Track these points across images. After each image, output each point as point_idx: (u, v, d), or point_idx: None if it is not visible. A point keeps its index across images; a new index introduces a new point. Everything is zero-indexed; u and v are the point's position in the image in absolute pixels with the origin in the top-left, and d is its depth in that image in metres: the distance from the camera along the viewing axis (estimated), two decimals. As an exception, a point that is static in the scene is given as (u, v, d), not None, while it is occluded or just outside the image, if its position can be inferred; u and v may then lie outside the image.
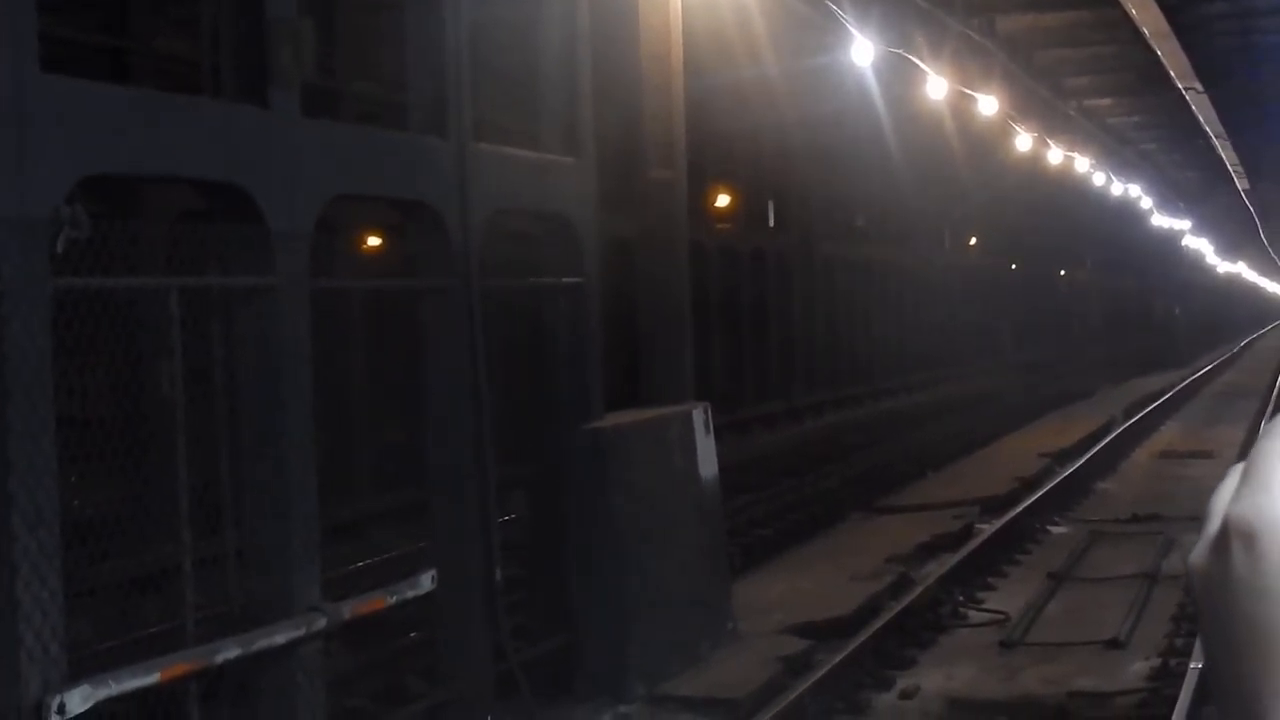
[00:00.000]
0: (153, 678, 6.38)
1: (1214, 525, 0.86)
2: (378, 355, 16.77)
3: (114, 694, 6.12)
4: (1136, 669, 10.62)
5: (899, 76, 22.11)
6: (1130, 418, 28.25)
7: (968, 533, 15.91)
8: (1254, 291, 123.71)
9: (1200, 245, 75.14)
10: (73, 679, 6.05)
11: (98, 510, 8.14)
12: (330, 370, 11.97)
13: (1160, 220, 57.08)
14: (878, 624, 11.52)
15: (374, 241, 18.07)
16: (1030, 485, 19.30)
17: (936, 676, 10.77)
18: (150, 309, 8.01)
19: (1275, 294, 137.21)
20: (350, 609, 7.73)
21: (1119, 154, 44.84)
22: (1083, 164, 38.00)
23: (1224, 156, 46.17)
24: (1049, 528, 16.72)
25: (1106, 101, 38.40)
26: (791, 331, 30.97)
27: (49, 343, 6.10)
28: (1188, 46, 27.82)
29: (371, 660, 10.83)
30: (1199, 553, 0.87)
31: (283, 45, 7.43)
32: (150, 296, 7.44)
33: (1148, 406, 30.63)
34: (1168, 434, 27.43)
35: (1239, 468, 0.88)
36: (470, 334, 9.10)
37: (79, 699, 5.89)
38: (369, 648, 10.91)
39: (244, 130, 7.34)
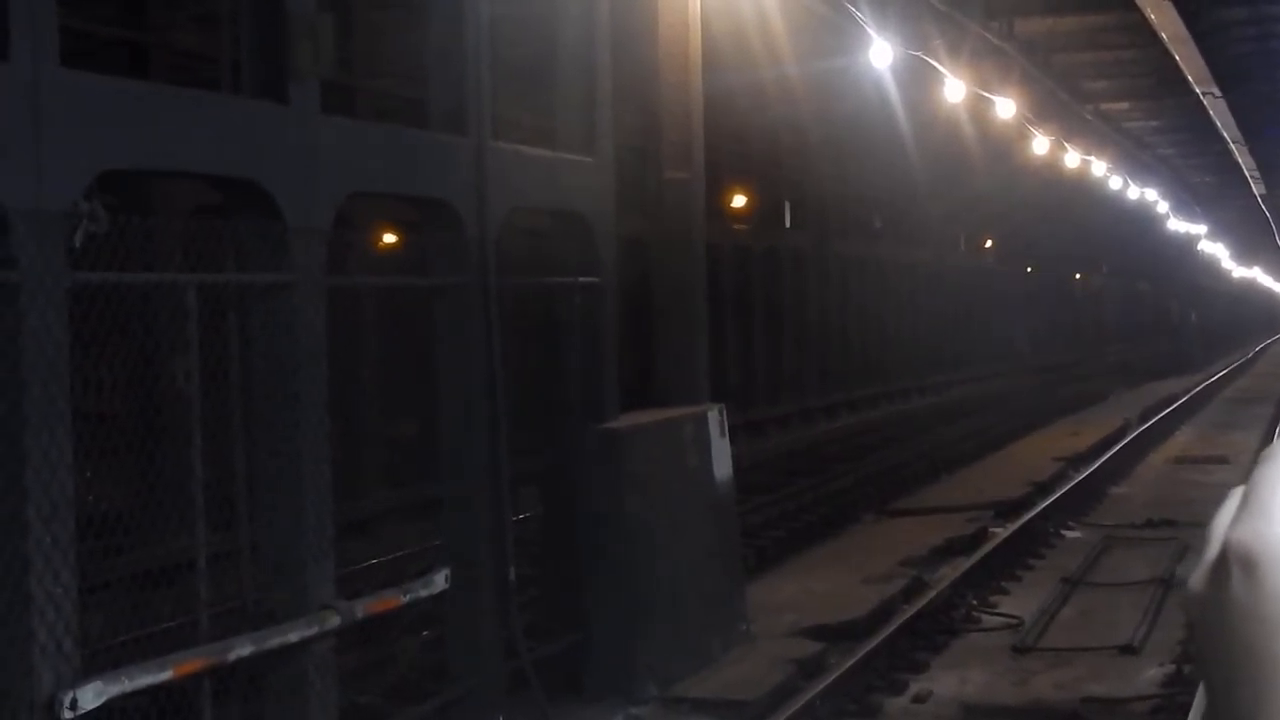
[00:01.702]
0: (165, 674, 6.38)
1: (1213, 550, 0.86)
2: (390, 350, 16.77)
3: (126, 690, 6.11)
4: (1150, 675, 10.59)
5: (917, 78, 22.07)
6: (1145, 422, 28.20)
7: (981, 536, 15.88)
8: (1269, 296, 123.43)
9: (1216, 250, 75.05)
10: (85, 674, 6.05)
11: (112, 504, 8.14)
12: (342, 365, 11.97)
13: (1176, 224, 56.99)
14: (891, 627, 11.50)
15: (390, 238, 18.06)
16: (1044, 489, 19.26)
17: (949, 681, 10.75)
18: (167, 304, 8.01)
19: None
20: (363, 607, 7.72)
21: (1136, 158, 44.76)
22: (1100, 168, 37.93)
23: (1241, 161, 46.07)
24: (1063, 532, 16.68)
25: (1124, 105, 38.34)
26: (806, 332, 30.93)
27: (66, 337, 6.10)
28: (1206, 51, 27.74)
29: (383, 656, 10.82)
30: (1197, 578, 0.87)
31: (302, 41, 7.42)
32: (167, 291, 7.43)
33: (1162, 411, 30.58)
34: (1182, 439, 27.37)
35: (1239, 492, 0.87)
36: (486, 332, 9.09)
37: (91, 695, 5.88)
38: (381, 644, 10.91)
39: (262, 126, 7.33)
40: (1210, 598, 0.85)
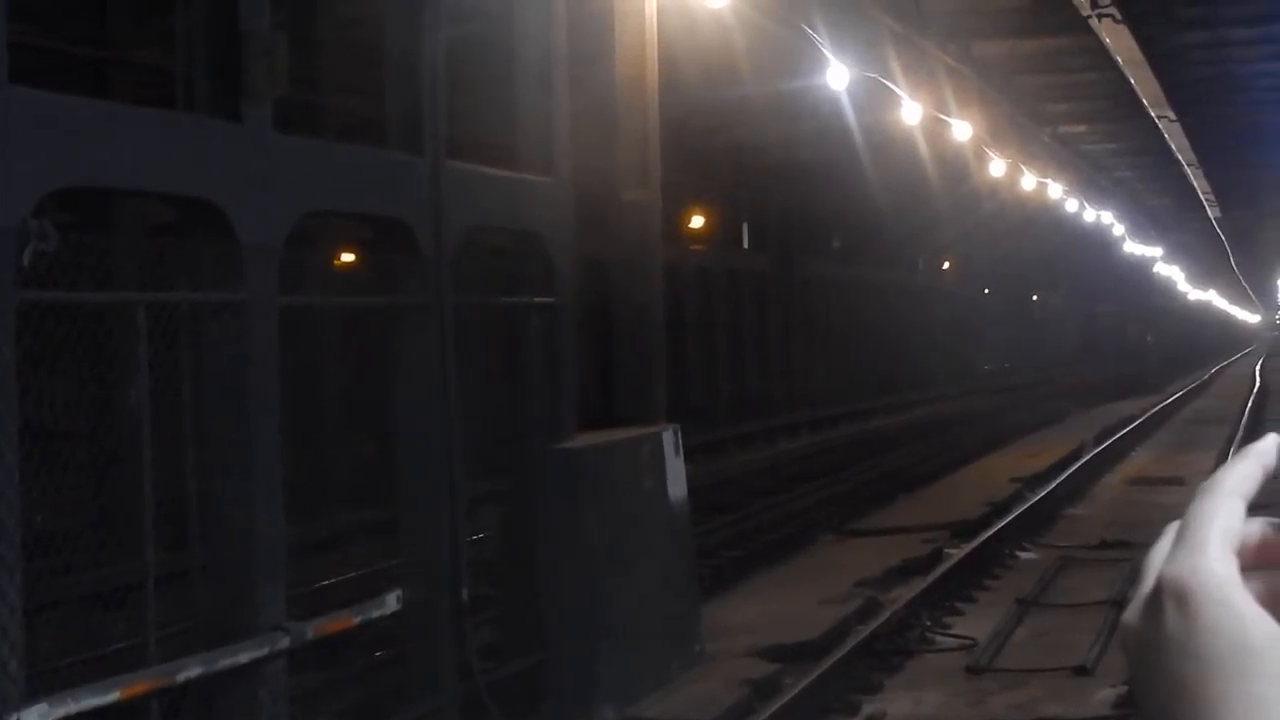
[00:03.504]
0: (113, 696, 6.33)
1: (1148, 584, 0.86)
2: (351, 370, 16.73)
3: (73, 712, 6.06)
4: (1103, 696, 10.62)
5: (876, 100, 22.18)
6: (1101, 443, 28.31)
7: (937, 557, 15.90)
8: (1225, 319, 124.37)
9: (1172, 272, 75.56)
10: (31, 696, 5.99)
11: (60, 523, 8.08)
12: (297, 383, 11.92)
13: (1133, 247, 57.37)
14: (845, 648, 11.50)
15: (347, 257, 18.02)
16: (1000, 510, 19.30)
17: (903, 702, 10.75)
18: (119, 322, 7.97)
19: (1245, 321, 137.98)
20: (315, 628, 7.68)
21: (1094, 180, 45.05)
22: (1057, 190, 38.16)
23: (1196, 184, 46.46)
24: (1018, 553, 16.72)
25: (1082, 128, 38.59)
26: (768, 352, 31.00)
27: (13, 355, 6.05)
28: (1162, 75, 27.99)
29: (338, 678, 10.77)
30: (1132, 611, 0.86)
31: (256, 60, 7.40)
32: (118, 310, 7.39)
33: (1119, 432, 30.71)
34: (1138, 460, 27.49)
35: (1174, 526, 0.87)
36: (442, 351, 9.07)
37: (37, 717, 5.83)
38: (336, 665, 10.86)
39: (216, 145, 7.31)
40: (1145, 633, 0.85)
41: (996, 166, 30.69)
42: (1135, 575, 0.89)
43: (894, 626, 12.49)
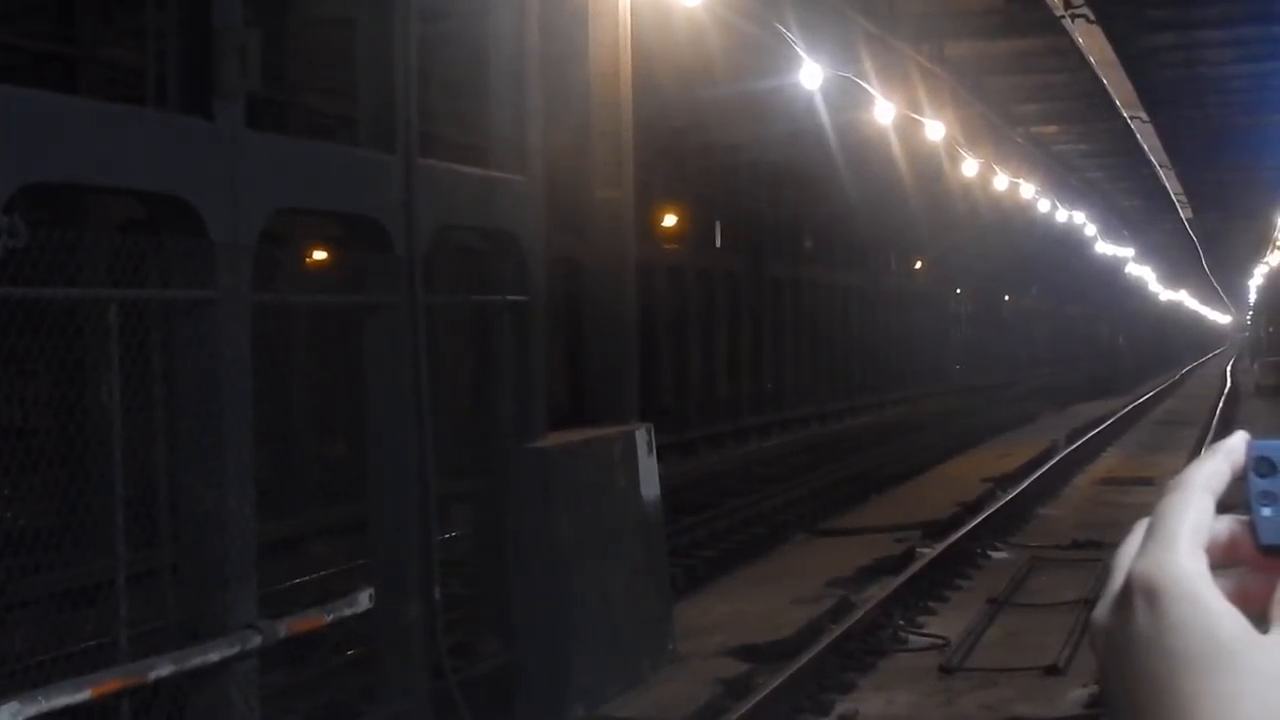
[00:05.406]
0: (84, 694, 6.30)
1: (1117, 581, 0.86)
2: (324, 369, 16.67)
3: (44, 710, 6.03)
4: (1075, 695, 10.66)
5: (849, 101, 22.20)
6: (1072, 443, 28.42)
7: (909, 556, 15.93)
8: (1196, 320, 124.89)
9: (1144, 272, 75.81)
10: (1, 695, 5.96)
11: (30, 521, 8.04)
12: (276, 384, 11.89)
13: (1105, 247, 57.54)
14: (818, 648, 11.51)
15: (323, 255, 17.95)
16: (972, 509, 19.37)
17: (876, 701, 10.77)
18: (89, 319, 7.93)
19: (1216, 322, 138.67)
20: (286, 627, 7.65)
21: (1065, 181, 45.17)
22: (1029, 190, 38.26)
23: (1168, 185, 46.65)
24: (990, 553, 16.77)
25: (1053, 128, 38.70)
26: (739, 352, 31.02)
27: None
28: (1133, 76, 28.10)
29: (309, 677, 10.74)
30: (1102, 608, 0.86)
31: (228, 57, 7.37)
32: (89, 307, 7.35)
33: (1090, 432, 30.83)
34: (1109, 460, 27.61)
35: (1144, 523, 0.87)
36: (414, 350, 9.05)
37: (7, 716, 5.80)
38: (306, 664, 10.83)
39: (187, 142, 7.27)
40: (1115, 630, 0.84)
41: (969, 167, 30.75)
42: (1105, 572, 0.89)
43: (866, 626, 12.52)
